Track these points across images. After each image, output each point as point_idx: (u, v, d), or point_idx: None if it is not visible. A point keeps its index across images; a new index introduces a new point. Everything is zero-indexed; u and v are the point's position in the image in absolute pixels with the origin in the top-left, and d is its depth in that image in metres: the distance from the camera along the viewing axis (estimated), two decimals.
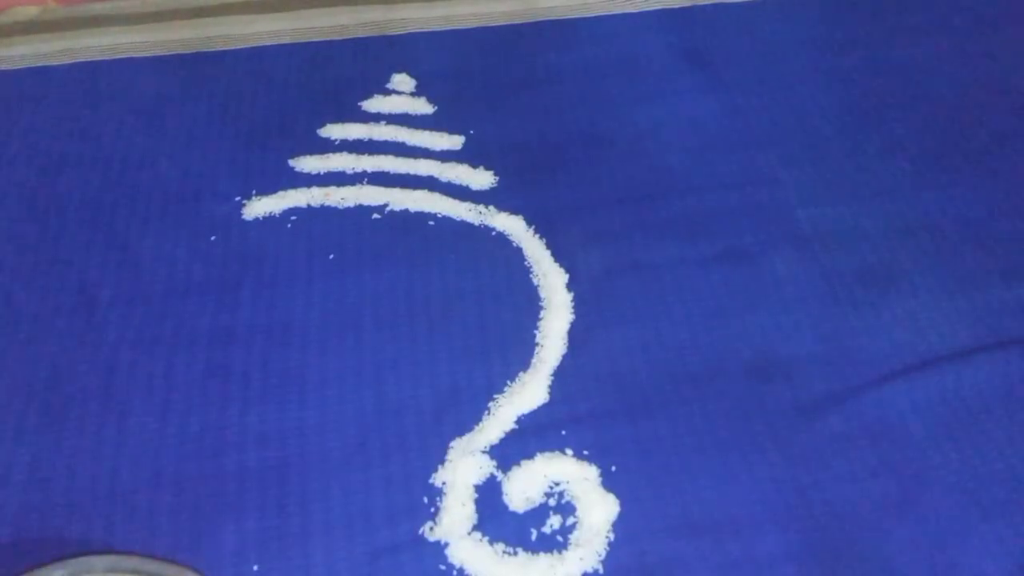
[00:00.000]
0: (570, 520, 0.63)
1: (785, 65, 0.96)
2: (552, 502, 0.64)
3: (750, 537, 0.62)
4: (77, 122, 0.93)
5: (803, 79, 0.94)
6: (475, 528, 0.63)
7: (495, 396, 0.70)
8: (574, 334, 0.73)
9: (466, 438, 0.67)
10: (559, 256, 0.79)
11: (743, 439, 0.67)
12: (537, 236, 0.80)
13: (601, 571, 0.61)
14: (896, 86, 0.94)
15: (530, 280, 0.77)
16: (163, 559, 0.58)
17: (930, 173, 0.85)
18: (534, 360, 0.72)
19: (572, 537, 0.62)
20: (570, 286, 0.76)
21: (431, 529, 0.63)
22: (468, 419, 0.68)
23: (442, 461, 0.66)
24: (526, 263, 0.79)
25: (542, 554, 0.62)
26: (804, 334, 0.73)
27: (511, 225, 0.82)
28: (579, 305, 0.75)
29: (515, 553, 0.62)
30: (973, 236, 0.80)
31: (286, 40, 1.01)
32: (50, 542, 0.61)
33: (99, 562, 0.55)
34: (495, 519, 0.64)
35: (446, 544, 0.62)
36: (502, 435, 0.68)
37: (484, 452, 0.66)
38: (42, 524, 0.63)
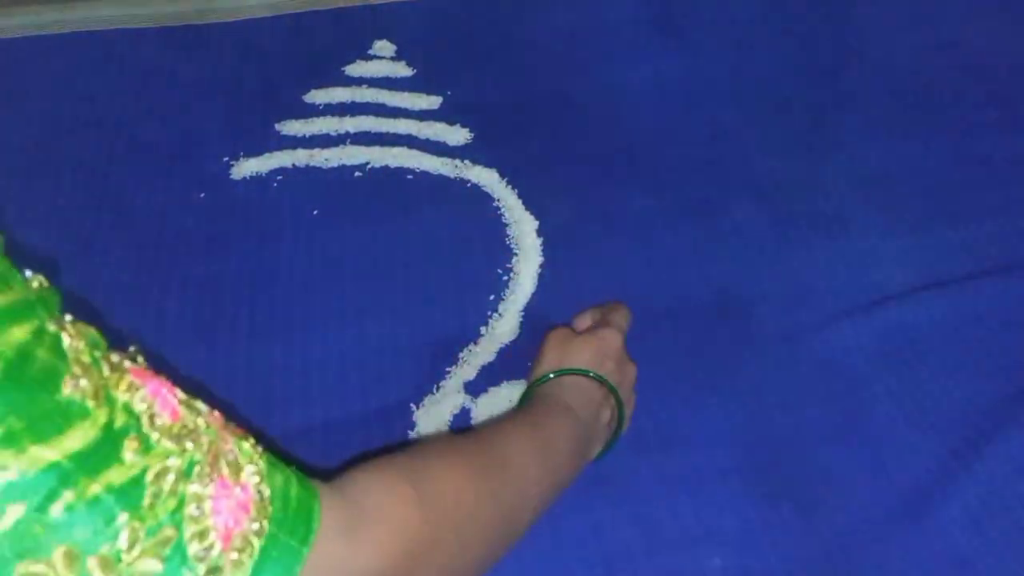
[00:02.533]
0: None
1: (747, 28, 0.99)
2: None
3: (698, 454, 0.65)
4: (73, 88, 0.96)
5: (764, 41, 0.98)
6: None
7: (469, 332, 0.73)
8: (543, 275, 0.77)
9: (442, 371, 0.71)
10: (530, 205, 0.82)
11: (696, 369, 0.70)
12: (510, 187, 0.84)
13: None
14: (852, 47, 0.98)
15: (502, 227, 0.81)
16: None
17: (882, 127, 0.89)
18: (505, 298, 0.75)
19: None
20: (540, 232, 0.80)
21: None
22: (444, 354, 0.72)
23: (419, 394, 0.69)
24: (499, 211, 0.82)
25: None
26: (760, 276, 0.77)
27: (485, 177, 0.85)
28: (548, 249, 0.79)
29: None
30: (921, 185, 0.84)
31: (272, 12, 1.05)
32: None
33: None
34: None
35: None
36: (478, 369, 0.71)
37: (458, 384, 0.70)
38: None
